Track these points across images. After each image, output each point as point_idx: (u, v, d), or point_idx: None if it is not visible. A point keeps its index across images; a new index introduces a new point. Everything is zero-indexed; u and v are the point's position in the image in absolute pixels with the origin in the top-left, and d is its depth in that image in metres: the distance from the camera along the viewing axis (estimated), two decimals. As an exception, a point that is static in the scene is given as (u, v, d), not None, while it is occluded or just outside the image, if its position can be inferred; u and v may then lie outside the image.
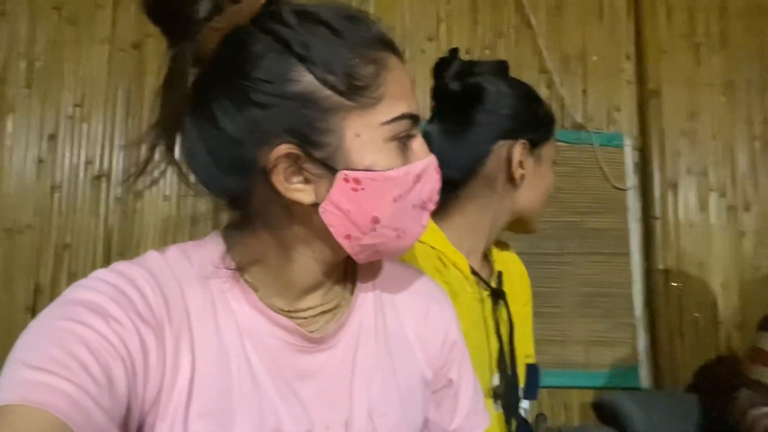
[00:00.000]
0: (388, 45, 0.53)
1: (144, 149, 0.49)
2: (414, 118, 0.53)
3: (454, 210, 0.94)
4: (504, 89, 0.90)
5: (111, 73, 1.64)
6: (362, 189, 0.50)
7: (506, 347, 0.91)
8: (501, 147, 0.88)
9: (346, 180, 0.49)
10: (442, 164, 1.00)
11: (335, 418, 0.54)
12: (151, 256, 0.52)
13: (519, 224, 0.95)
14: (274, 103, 0.47)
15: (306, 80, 0.47)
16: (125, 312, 0.46)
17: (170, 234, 1.61)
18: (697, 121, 1.83)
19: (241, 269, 0.53)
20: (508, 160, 0.88)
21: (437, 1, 1.77)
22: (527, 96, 0.92)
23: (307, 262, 0.54)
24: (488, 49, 1.78)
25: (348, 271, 0.61)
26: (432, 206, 0.56)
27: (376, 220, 0.51)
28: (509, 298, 0.99)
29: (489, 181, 0.90)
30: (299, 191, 0.49)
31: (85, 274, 0.48)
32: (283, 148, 0.47)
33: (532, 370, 1.05)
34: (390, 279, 0.65)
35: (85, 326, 0.44)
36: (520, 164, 0.88)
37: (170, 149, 0.49)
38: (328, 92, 0.48)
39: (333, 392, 0.55)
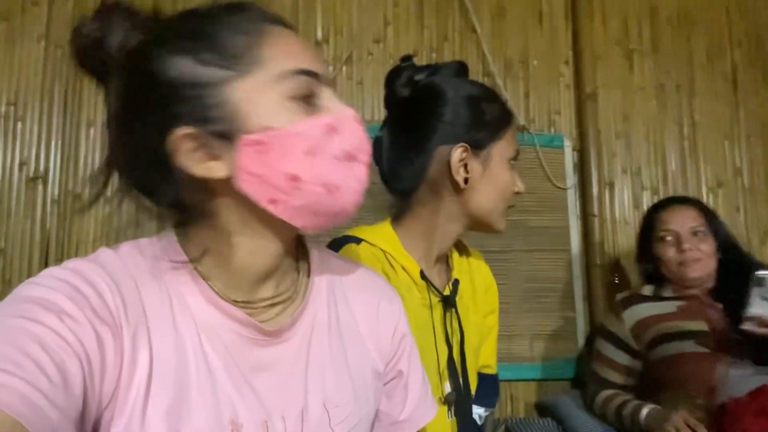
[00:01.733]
0: (264, 18, 0.55)
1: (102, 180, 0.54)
2: (312, 74, 0.53)
3: (407, 216, 0.95)
4: (453, 92, 0.91)
5: (47, 71, 1.57)
6: (268, 149, 0.50)
7: (456, 355, 0.93)
8: (441, 152, 0.89)
9: (249, 144, 0.50)
10: (393, 174, 1.01)
11: (291, 408, 0.55)
12: (104, 253, 0.52)
13: (480, 225, 0.95)
14: (163, 94, 0.50)
15: (180, 64, 0.50)
16: (80, 309, 0.45)
17: (111, 238, 1.56)
18: (630, 123, 1.93)
19: (193, 261, 0.54)
20: (449, 165, 0.89)
21: (384, 5, 1.80)
22: (474, 98, 0.92)
23: (250, 246, 0.55)
24: (435, 52, 1.82)
25: (301, 266, 0.62)
26: (365, 158, 0.55)
27: (294, 178, 0.51)
28: (470, 307, 1.00)
29: (435, 186, 0.91)
30: (210, 168, 0.51)
31: (20, 281, 0.48)
32: (179, 131, 0.49)
33: (490, 380, 1.06)
34: (343, 275, 0.66)
35: (40, 324, 0.43)
36: (464, 167, 0.89)
37: (127, 180, 0.54)
38: (203, 69, 0.50)
39: (288, 384, 0.56)
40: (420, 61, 1.85)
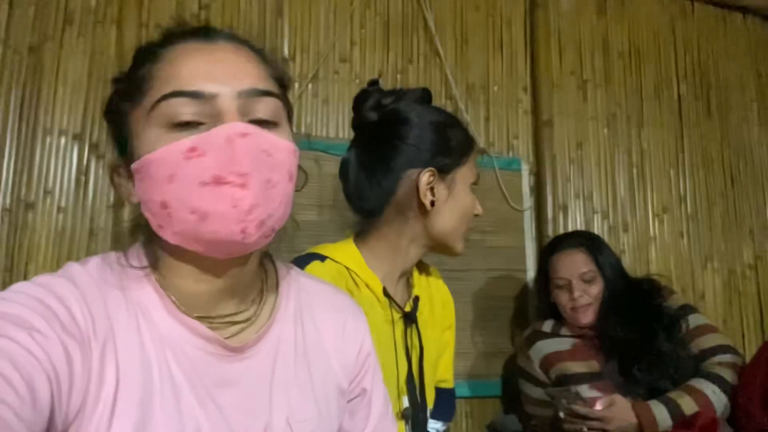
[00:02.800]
0: (169, 37, 0.55)
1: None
2: (184, 94, 0.50)
3: (372, 235, 0.97)
4: (419, 118, 0.94)
5: (3, 76, 1.53)
6: (142, 177, 0.52)
7: (415, 370, 0.95)
8: (410, 175, 0.93)
9: (135, 172, 0.53)
10: (359, 194, 1.05)
11: (254, 424, 0.56)
12: (72, 268, 0.52)
13: (440, 247, 0.99)
14: (111, 125, 0.56)
15: (114, 100, 0.55)
16: (49, 324, 0.45)
17: (65, 249, 1.52)
18: (583, 149, 2.02)
19: (151, 267, 0.56)
20: (417, 188, 0.92)
21: (351, 25, 1.83)
22: (440, 124, 0.96)
23: (186, 268, 0.56)
24: (400, 73, 1.86)
25: (269, 283, 0.63)
26: (238, 179, 0.49)
27: (164, 205, 0.50)
28: (428, 322, 1.03)
29: (401, 208, 0.94)
30: (130, 195, 0.55)
31: (-34, 292, 0.48)
32: (111, 161, 0.55)
33: (447, 394, 1.09)
34: (310, 293, 0.67)
35: (9, 339, 0.43)
36: (431, 191, 0.92)
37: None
38: (122, 102, 0.54)
39: (252, 400, 0.57)
40: (385, 81, 1.90)
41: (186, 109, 0.49)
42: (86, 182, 1.55)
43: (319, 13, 1.80)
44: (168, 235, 0.52)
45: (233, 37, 0.55)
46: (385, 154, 0.93)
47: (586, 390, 1.40)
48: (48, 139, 1.55)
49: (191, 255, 0.54)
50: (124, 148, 0.54)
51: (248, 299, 0.60)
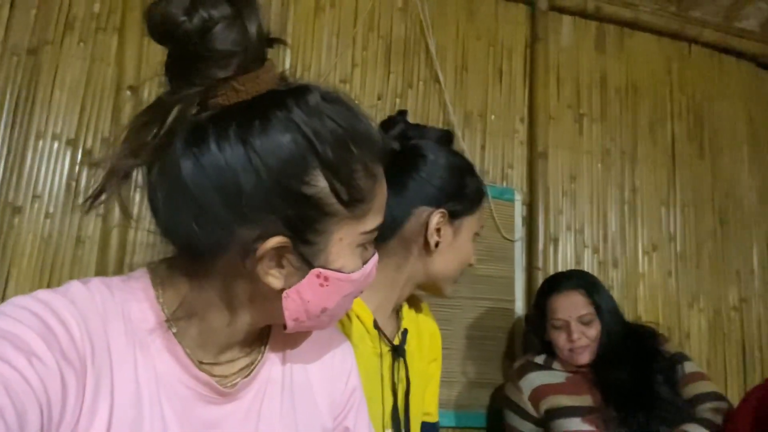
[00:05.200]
0: (378, 153, 0.55)
1: (103, 169, 0.49)
2: (379, 227, 0.56)
3: None
4: (439, 158, 0.95)
5: (0, 76, 1.51)
6: (327, 286, 0.52)
7: (401, 404, 0.94)
8: (422, 212, 0.93)
9: (318, 276, 0.52)
10: None
11: None
12: (75, 287, 0.50)
13: (431, 287, 0.99)
14: (284, 195, 0.48)
15: (320, 186, 0.49)
16: (50, 350, 0.44)
17: (50, 255, 1.49)
18: (576, 183, 2.04)
19: (171, 321, 0.53)
20: (426, 226, 0.92)
21: (354, 47, 1.84)
22: (460, 169, 0.97)
23: (243, 325, 0.55)
24: (399, 97, 1.87)
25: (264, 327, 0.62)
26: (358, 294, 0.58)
27: (324, 310, 0.54)
28: (416, 355, 1.02)
29: (406, 242, 0.94)
30: (273, 277, 0.51)
31: (-53, 299, 0.46)
32: (276, 241, 0.48)
33: (431, 428, 1.08)
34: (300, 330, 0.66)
35: (8, 365, 0.42)
36: (437, 231, 0.93)
37: (125, 177, 0.49)
38: (333, 200, 0.50)
39: None
40: (384, 104, 1.90)
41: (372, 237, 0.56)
42: (77, 189, 1.53)
43: (322, 33, 1.81)
44: (292, 326, 0.55)
45: None
46: (401, 184, 0.93)
47: (578, 423, 1.40)
48: (40, 143, 1.53)
49: (247, 310, 0.55)
50: (302, 238, 0.50)
51: (249, 343, 0.60)
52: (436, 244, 0.92)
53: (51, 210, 1.51)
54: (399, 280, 0.95)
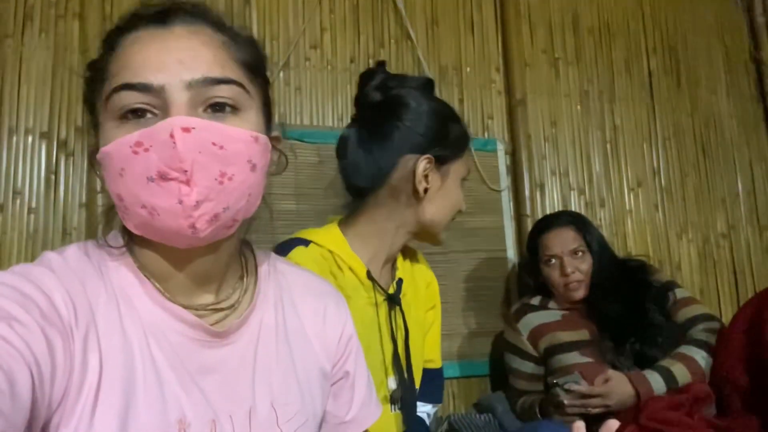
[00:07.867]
0: (135, 20, 0.52)
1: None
2: (132, 87, 0.49)
3: (360, 216, 0.97)
4: (422, 105, 0.95)
5: (-38, 74, 1.48)
6: (103, 168, 0.52)
7: (401, 351, 0.96)
8: (408, 160, 0.93)
9: (99, 163, 0.53)
10: (354, 171, 1.05)
11: (238, 408, 0.56)
12: (49, 256, 0.51)
13: (424, 235, 1.00)
14: (88, 114, 0.55)
15: (84, 89, 0.55)
16: (29, 313, 0.45)
17: (37, 250, 1.49)
18: (557, 127, 2.04)
19: (126, 246, 0.55)
20: (413, 173, 0.93)
21: (320, 11, 1.81)
22: (443, 114, 0.97)
23: (153, 253, 0.56)
24: (372, 58, 1.84)
25: (249, 270, 0.63)
26: (182, 176, 0.47)
27: (119, 198, 0.51)
28: (412, 304, 1.04)
29: (394, 191, 0.94)
30: (103, 182, 0.54)
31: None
32: (90, 146, 0.54)
33: (434, 374, 1.10)
34: (290, 280, 0.67)
35: None
36: (425, 178, 0.93)
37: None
38: (89, 92, 0.54)
39: (235, 385, 0.57)
40: (357, 66, 1.88)
41: (135, 102, 0.48)
42: (56, 181, 1.52)
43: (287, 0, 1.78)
44: (130, 226, 0.53)
45: (192, 18, 0.52)
46: (386, 134, 0.94)
47: (576, 356, 1.44)
48: (14, 139, 1.51)
49: (157, 243, 0.54)
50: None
51: (228, 287, 0.60)
52: (425, 191, 0.93)
53: (33, 205, 1.50)
54: (390, 229, 0.96)
